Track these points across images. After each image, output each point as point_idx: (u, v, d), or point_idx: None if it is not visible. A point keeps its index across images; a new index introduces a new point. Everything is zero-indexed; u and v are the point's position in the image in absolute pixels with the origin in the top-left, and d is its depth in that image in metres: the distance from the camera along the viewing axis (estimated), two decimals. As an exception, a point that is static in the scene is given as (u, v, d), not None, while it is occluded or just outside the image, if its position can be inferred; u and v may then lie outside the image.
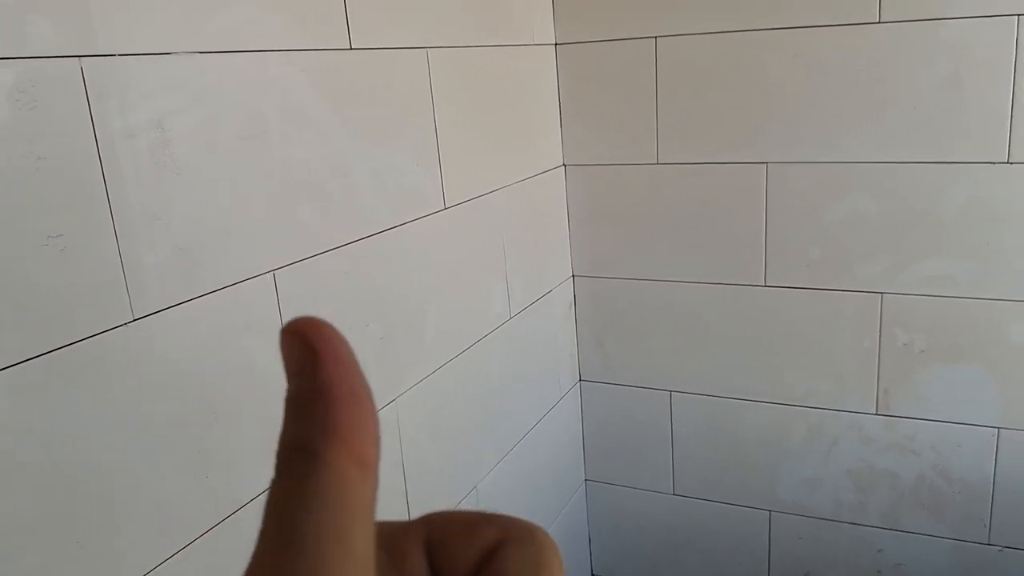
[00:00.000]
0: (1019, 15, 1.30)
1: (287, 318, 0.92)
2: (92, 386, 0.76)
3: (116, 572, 0.80)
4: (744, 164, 1.54)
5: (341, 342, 0.19)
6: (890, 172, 1.44)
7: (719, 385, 1.71)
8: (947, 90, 1.37)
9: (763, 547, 1.78)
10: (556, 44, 1.63)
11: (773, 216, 1.55)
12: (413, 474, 1.25)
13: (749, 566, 1.81)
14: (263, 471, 0.84)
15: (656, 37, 1.54)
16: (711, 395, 1.72)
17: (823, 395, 1.62)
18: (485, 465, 1.49)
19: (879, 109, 1.42)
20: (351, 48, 1.06)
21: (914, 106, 1.39)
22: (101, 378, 0.77)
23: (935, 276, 1.47)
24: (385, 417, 1.18)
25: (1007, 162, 1.37)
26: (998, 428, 1.51)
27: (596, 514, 1.95)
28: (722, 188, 1.57)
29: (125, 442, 0.79)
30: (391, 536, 0.22)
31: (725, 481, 1.77)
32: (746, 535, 1.79)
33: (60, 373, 0.73)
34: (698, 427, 1.76)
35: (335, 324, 0.19)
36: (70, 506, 0.75)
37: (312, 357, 0.19)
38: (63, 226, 0.72)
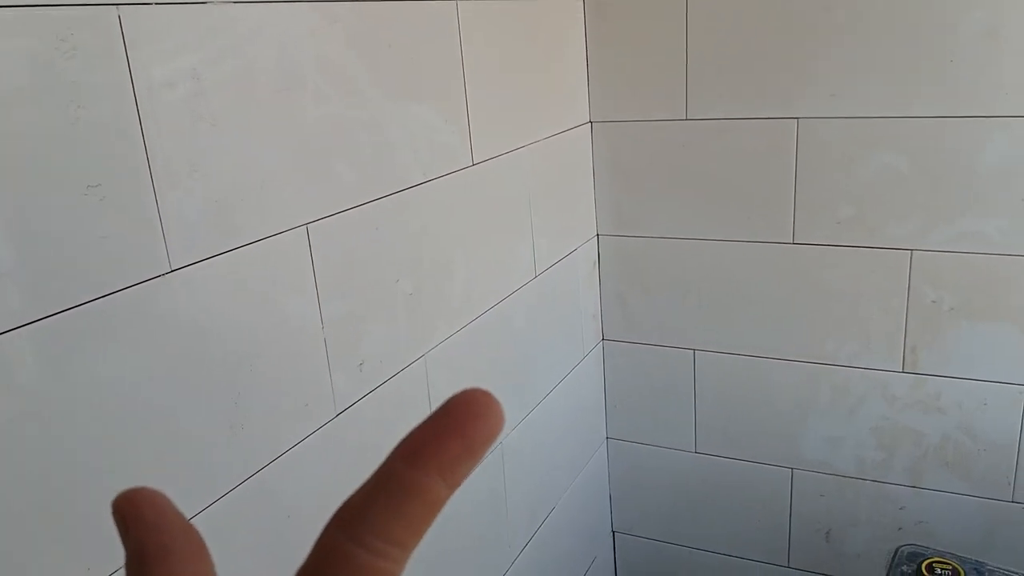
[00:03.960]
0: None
1: (320, 271, 0.93)
2: (130, 336, 0.76)
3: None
4: (774, 120, 1.52)
5: (147, 503, 0.23)
6: (924, 127, 1.42)
7: (744, 344, 1.70)
8: (984, 43, 1.35)
9: (785, 505, 1.79)
10: (583, -3, 1.61)
11: (803, 173, 1.53)
12: (441, 429, 1.26)
13: (771, 523, 1.82)
14: (296, 425, 0.86)
15: (686, -10, 1.51)
16: (735, 353, 1.72)
17: (849, 353, 1.62)
18: (510, 422, 1.50)
19: (914, 63, 1.40)
20: (382, -1, 1.05)
21: (950, 59, 1.37)
22: (139, 328, 0.77)
23: (967, 233, 1.45)
24: (415, 372, 1.19)
25: (1044, 117, 1.35)
26: (1026, 387, 1.50)
27: (617, 472, 1.96)
28: (751, 144, 1.55)
29: (162, 392, 0.80)
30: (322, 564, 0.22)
31: (747, 439, 1.78)
32: (768, 493, 1.80)
33: (99, 322, 0.73)
34: (721, 386, 1.76)
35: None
36: (108, 455, 0.75)
37: (121, 525, 0.23)
38: (101, 176, 0.72)
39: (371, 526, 0.21)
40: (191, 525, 0.23)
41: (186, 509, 0.82)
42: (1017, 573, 1.50)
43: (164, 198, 0.78)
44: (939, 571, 1.51)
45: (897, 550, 1.60)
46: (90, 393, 0.73)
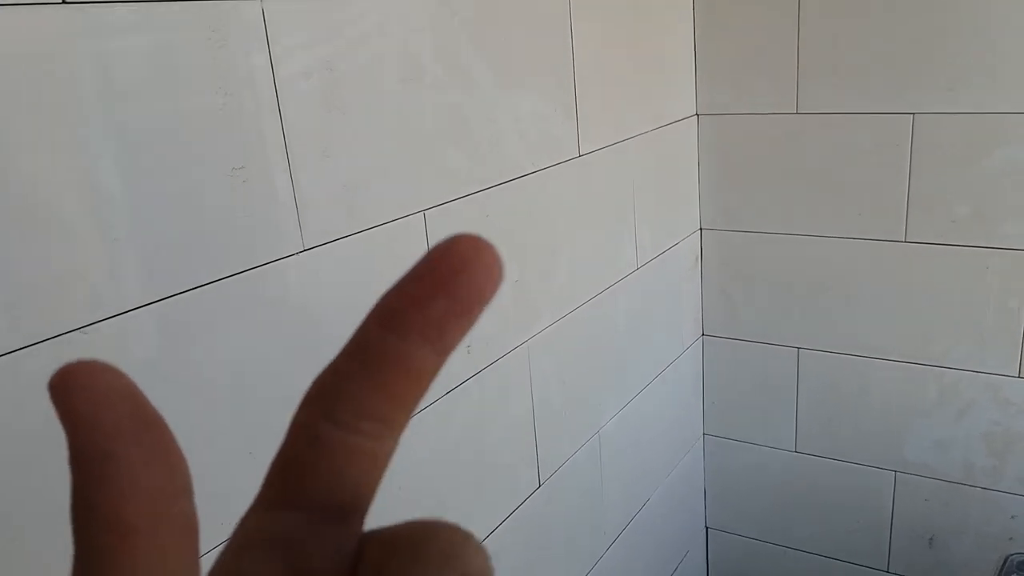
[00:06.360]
0: None
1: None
2: (266, 309, 0.82)
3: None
4: (889, 115, 1.49)
5: (87, 391, 0.16)
6: (1050, 122, 1.37)
7: (850, 343, 1.67)
8: (1119, 35, 1.29)
9: (886, 508, 1.75)
10: (693, -10, 1.61)
11: (917, 170, 1.49)
12: (541, 414, 1.29)
13: (871, 527, 1.79)
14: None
15: (800, -19, 1.49)
16: (841, 353, 1.69)
17: (960, 356, 1.57)
18: (607, 412, 1.52)
19: (1040, 56, 1.35)
20: (500, -7, 1.08)
21: (1081, 52, 1.31)
22: (275, 302, 0.83)
23: (1094, 234, 1.39)
24: (518, 357, 1.22)
25: None
26: None
27: (713, 468, 1.95)
28: (864, 139, 1.52)
29: (292, 364, 0.85)
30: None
31: (850, 440, 1.75)
32: (869, 495, 1.76)
33: (239, 295, 0.79)
34: (825, 385, 1.73)
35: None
36: (242, 421, 0.81)
37: (63, 424, 0.16)
38: (244, 159, 0.78)
39: (348, 402, 0.18)
40: (148, 416, 0.17)
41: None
42: None
43: (300, 181, 0.83)
44: (1052, 584, 1.46)
45: (1007, 559, 1.55)
46: (227, 361, 0.79)
